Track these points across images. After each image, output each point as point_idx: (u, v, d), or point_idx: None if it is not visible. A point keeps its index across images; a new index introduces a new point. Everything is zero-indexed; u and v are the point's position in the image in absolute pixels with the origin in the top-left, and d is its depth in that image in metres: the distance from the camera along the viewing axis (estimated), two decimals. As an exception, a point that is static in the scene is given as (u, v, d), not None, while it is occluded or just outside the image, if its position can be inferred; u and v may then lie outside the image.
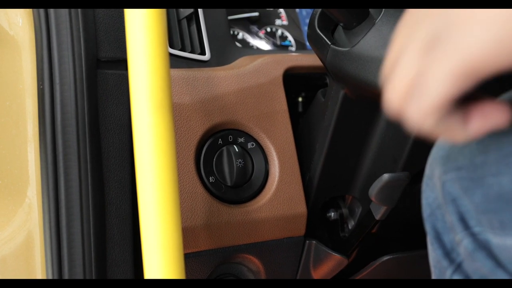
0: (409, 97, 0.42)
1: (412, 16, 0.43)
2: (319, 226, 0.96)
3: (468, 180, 0.50)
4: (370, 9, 0.75)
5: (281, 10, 1.12)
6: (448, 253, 0.55)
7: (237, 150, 0.85)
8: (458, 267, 0.55)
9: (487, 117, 0.43)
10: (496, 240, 0.49)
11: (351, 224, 0.95)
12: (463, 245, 0.52)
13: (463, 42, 0.37)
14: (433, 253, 0.57)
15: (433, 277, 0.58)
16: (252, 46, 1.07)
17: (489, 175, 0.49)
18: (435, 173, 0.55)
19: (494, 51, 0.37)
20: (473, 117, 0.43)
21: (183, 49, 0.94)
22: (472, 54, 0.37)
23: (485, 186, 0.49)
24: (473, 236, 0.51)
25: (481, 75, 0.38)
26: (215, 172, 0.85)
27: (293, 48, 1.10)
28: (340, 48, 0.76)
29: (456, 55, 0.38)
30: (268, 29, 1.10)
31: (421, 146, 0.77)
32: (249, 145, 0.87)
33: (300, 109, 1.01)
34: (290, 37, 1.11)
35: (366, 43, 0.73)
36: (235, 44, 1.03)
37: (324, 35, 0.79)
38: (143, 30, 0.63)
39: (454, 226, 0.53)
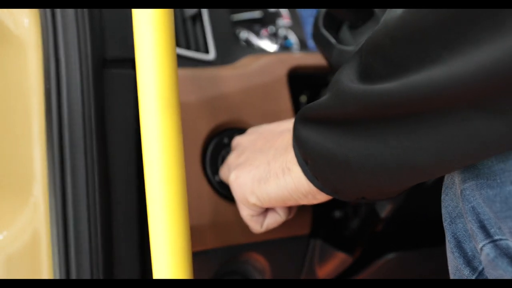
0: (240, 195, 0.75)
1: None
2: (324, 224, 0.96)
3: (488, 188, 0.50)
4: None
5: (284, 10, 1.12)
6: (469, 262, 0.56)
7: None
8: (480, 275, 0.55)
9: (274, 220, 0.77)
10: None
11: (355, 222, 0.95)
12: (484, 253, 0.52)
13: (267, 188, 0.70)
14: (454, 262, 0.58)
15: None
16: (255, 46, 1.07)
17: (508, 182, 0.49)
18: (454, 181, 0.55)
19: (279, 199, 0.70)
20: (267, 217, 0.77)
21: (188, 49, 0.94)
22: (264, 196, 0.71)
23: (504, 193, 0.49)
24: (494, 243, 0.51)
25: (268, 205, 0.72)
26: (221, 171, 0.85)
27: (296, 48, 1.11)
28: (345, 47, 0.76)
29: (261, 192, 0.71)
30: (272, 29, 1.10)
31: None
32: (254, 144, 0.87)
33: (304, 108, 1.01)
34: (293, 37, 1.11)
35: (371, 42, 0.73)
36: (239, 43, 1.03)
37: (329, 35, 0.79)
38: (151, 30, 0.63)
39: (475, 234, 0.53)
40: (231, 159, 0.78)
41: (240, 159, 0.75)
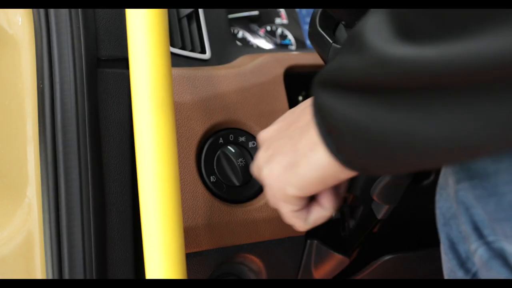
0: (277, 191, 0.64)
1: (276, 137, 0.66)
2: (320, 225, 0.96)
3: (481, 189, 0.50)
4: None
5: (281, 9, 1.12)
6: (463, 263, 0.55)
7: (233, 150, 0.85)
8: (474, 277, 0.54)
9: (320, 215, 0.68)
10: (511, 249, 0.49)
11: (352, 223, 0.94)
12: (478, 254, 0.52)
13: (300, 172, 0.60)
14: (448, 264, 0.57)
15: None
16: (252, 45, 1.07)
17: (502, 183, 0.48)
18: (448, 182, 0.55)
19: (317, 180, 0.59)
20: (311, 212, 0.68)
21: (183, 48, 0.93)
22: (301, 182, 0.60)
23: (498, 194, 0.49)
24: (488, 245, 0.51)
25: (309, 191, 0.62)
26: (216, 171, 0.85)
27: (293, 47, 1.10)
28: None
29: (296, 178, 0.60)
30: (268, 28, 1.10)
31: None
32: (250, 144, 0.87)
33: (301, 108, 1.00)
34: (290, 36, 1.10)
35: (368, 41, 0.72)
36: (235, 43, 1.03)
37: (326, 34, 0.78)
38: (144, 30, 0.63)
39: (469, 235, 0.52)
40: (259, 156, 0.69)
41: (267, 152, 0.67)
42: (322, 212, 0.68)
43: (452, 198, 0.54)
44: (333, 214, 0.95)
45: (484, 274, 0.52)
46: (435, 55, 0.42)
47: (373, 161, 0.52)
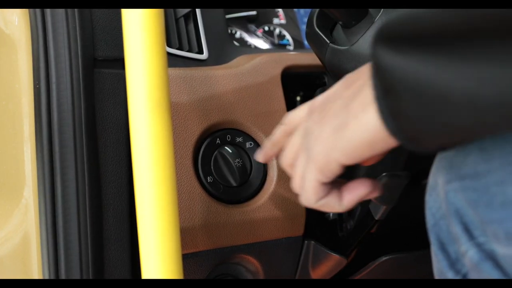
0: (302, 184, 0.63)
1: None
2: (318, 226, 0.96)
3: (472, 190, 0.49)
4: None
5: (279, 9, 1.11)
6: (453, 264, 0.55)
7: (230, 151, 0.85)
8: (464, 277, 0.54)
9: (354, 192, 0.63)
10: (502, 251, 0.48)
11: (350, 224, 0.94)
12: (468, 256, 0.51)
13: (348, 135, 0.56)
14: (438, 264, 0.56)
15: None
16: (250, 45, 1.06)
17: (492, 184, 0.48)
18: (438, 182, 0.54)
19: (364, 144, 0.54)
20: (344, 194, 0.64)
21: (180, 48, 0.93)
22: (348, 146, 0.56)
23: (489, 195, 0.48)
24: (478, 246, 0.50)
25: (355, 157, 0.57)
26: (213, 172, 0.84)
27: (291, 47, 1.10)
28: (339, 47, 0.76)
29: (344, 142, 0.56)
30: (266, 28, 1.09)
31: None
32: (247, 145, 0.87)
33: (299, 108, 1.00)
34: (288, 36, 1.10)
35: (365, 41, 0.72)
36: (233, 43, 1.03)
37: (323, 34, 0.78)
38: (140, 30, 0.62)
39: (459, 236, 0.52)
40: (299, 134, 0.64)
41: (311, 119, 0.61)
42: (336, 204, 0.64)
43: (442, 199, 0.54)
44: (331, 215, 0.95)
45: (474, 276, 0.52)
46: None
47: (428, 126, 0.48)
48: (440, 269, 0.56)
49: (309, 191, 0.63)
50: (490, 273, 0.49)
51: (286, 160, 0.68)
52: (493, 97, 0.42)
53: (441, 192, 0.53)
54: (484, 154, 0.49)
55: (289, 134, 0.70)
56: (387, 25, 0.50)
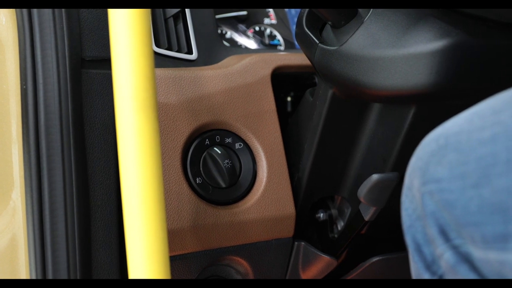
0: None
1: None
2: (308, 227, 0.95)
3: (448, 192, 0.49)
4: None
5: (270, 9, 1.11)
6: (429, 266, 0.54)
7: (219, 152, 0.84)
8: (439, 279, 0.54)
9: None
10: (478, 254, 0.48)
11: (340, 225, 0.94)
12: (444, 258, 0.51)
13: None
14: (414, 266, 0.56)
15: None
16: (240, 45, 1.06)
17: (468, 186, 0.47)
18: (414, 183, 0.54)
19: None
20: None
21: (169, 48, 0.92)
22: None
23: (465, 198, 0.48)
24: (454, 249, 0.50)
25: None
26: (202, 173, 0.84)
27: (282, 47, 1.10)
28: (328, 47, 0.75)
29: None
30: (257, 28, 1.09)
31: (411, 146, 0.76)
32: (237, 146, 0.86)
33: (289, 108, 1.00)
34: (278, 36, 1.10)
35: (354, 42, 0.72)
36: (222, 43, 1.02)
37: (312, 34, 0.78)
38: (126, 30, 0.62)
39: (434, 238, 0.51)
40: None
41: None
42: None
43: (417, 200, 0.53)
44: (321, 216, 0.95)
45: (450, 278, 0.52)
46: None
47: None
48: (417, 271, 0.56)
49: None
50: (466, 275, 0.49)
51: None
52: None
53: (417, 193, 0.53)
54: (460, 157, 0.48)
55: None
56: None
